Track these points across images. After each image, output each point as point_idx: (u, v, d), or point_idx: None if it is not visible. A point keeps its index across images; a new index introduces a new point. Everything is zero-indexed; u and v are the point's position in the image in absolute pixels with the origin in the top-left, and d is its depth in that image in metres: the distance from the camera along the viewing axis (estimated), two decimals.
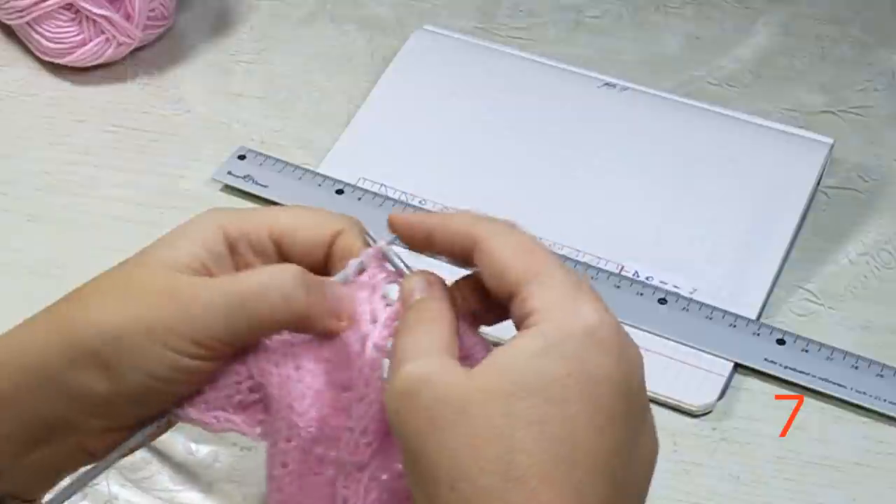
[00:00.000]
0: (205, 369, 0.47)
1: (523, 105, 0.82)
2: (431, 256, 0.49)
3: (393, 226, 0.49)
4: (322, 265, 0.50)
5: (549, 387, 0.42)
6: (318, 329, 0.48)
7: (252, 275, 0.48)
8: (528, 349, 0.43)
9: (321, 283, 0.48)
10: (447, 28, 0.88)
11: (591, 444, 0.42)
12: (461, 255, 0.47)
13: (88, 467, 0.50)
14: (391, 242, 0.50)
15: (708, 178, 0.78)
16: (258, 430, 0.49)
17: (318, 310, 0.48)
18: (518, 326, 0.45)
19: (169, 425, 0.50)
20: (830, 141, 0.79)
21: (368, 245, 0.50)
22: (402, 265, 0.49)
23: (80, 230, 0.77)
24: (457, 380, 0.43)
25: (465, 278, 0.49)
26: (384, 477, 0.47)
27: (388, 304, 0.48)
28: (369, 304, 0.49)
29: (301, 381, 0.48)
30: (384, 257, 0.50)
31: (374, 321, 0.48)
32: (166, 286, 0.47)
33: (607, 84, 0.83)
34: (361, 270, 0.50)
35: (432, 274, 0.48)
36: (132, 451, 0.50)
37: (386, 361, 0.46)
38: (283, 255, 0.50)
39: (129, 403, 0.48)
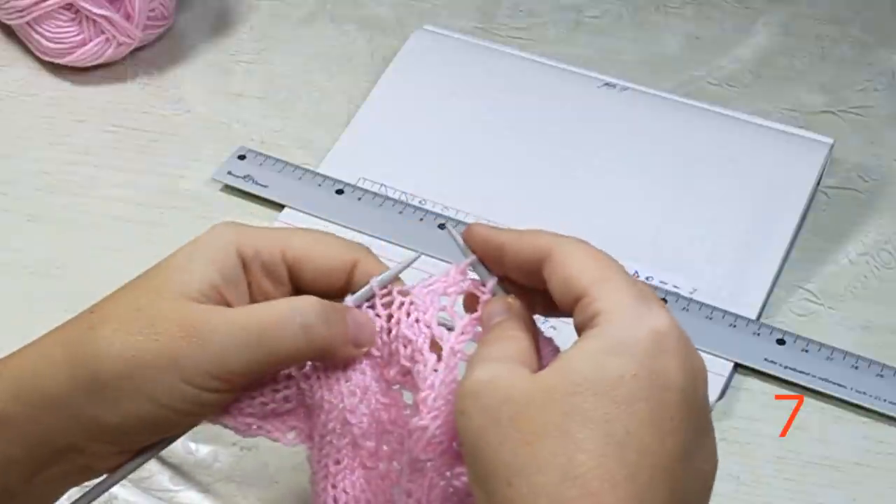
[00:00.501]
0: (221, 401, 0.47)
1: (523, 105, 0.82)
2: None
3: (470, 236, 0.50)
4: (336, 293, 0.50)
5: (614, 386, 0.41)
6: (338, 358, 0.49)
7: (271, 308, 0.48)
8: (591, 348, 0.43)
9: (342, 314, 0.48)
10: (447, 28, 0.88)
11: (656, 447, 0.41)
12: (530, 268, 0.47)
13: (100, 479, 0.50)
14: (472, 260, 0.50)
15: (708, 178, 0.78)
16: (291, 435, 0.50)
17: (339, 341, 0.48)
18: (580, 331, 0.45)
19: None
20: (830, 141, 0.79)
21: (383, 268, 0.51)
22: (486, 275, 0.50)
23: (80, 230, 0.77)
24: (520, 382, 0.43)
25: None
26: (448, 474, 0.47)
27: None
28: (433, 307, 0.49)
29: (350, 379, 0.49)
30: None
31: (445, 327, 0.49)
32: (184, 320, 0.46)
33: (607, 84, 0.83)
34: (373, 295, 0.50)
35: (512, 297, 0.49)
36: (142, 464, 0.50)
37: (463, 364, 0.47)
38: (294, 279, 0.50)
39: (140, 432, 0.48)
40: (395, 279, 0.51)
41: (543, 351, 0.48)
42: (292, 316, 0.47)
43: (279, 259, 0.50)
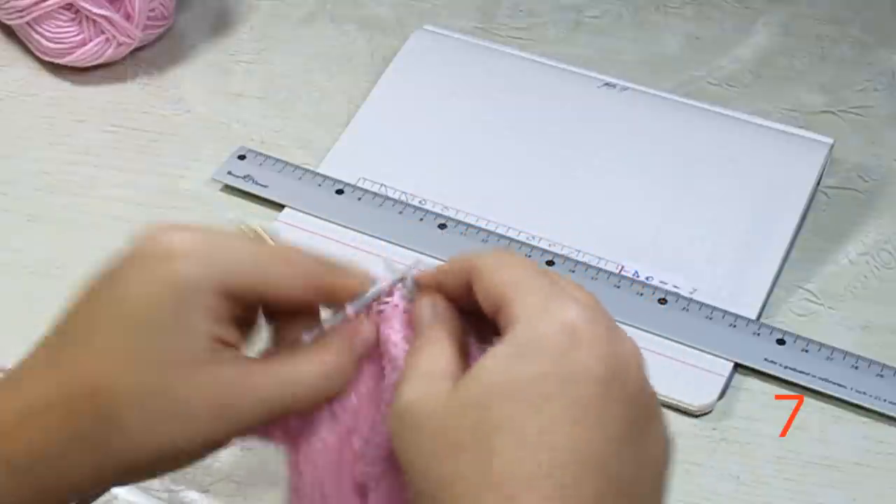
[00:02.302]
0: (247, 437, 0.48)
1: (523, 105, 0.82)
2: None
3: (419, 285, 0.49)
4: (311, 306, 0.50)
5: (524, 389, 0.41)
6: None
7: (294, 367, 0.47)
8: (501, 353, 0.43)
9: (348, 346, 0.48)
10: (447, 28, 0.88)
11: (575, 443, 0.41)
12: (464, 292, 0.47)
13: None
14: (412, 267, 0.50)
15: (708, 178, 0.78)
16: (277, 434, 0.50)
17: (352, 372, 0.48)
18: None
19: None
20: (830, 141, 0.79)
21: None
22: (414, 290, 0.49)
23: (80, 230, 0.77)
24: (439, 398, 0.43)
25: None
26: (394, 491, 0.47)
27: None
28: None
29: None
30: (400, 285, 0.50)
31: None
32: (215, 400, 0.45)
33: (607, 84, 0.83)
34: (379, 297, 0.49)
35: (440, 298, 0.48)
36: None
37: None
38: (268, 308, 0.49)
39: (152, 474, 0.48)
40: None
41: (477, 356, 0.48)
42: (316, 379, 0.47)
43: (249, 290, 0.47)
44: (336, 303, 0.49)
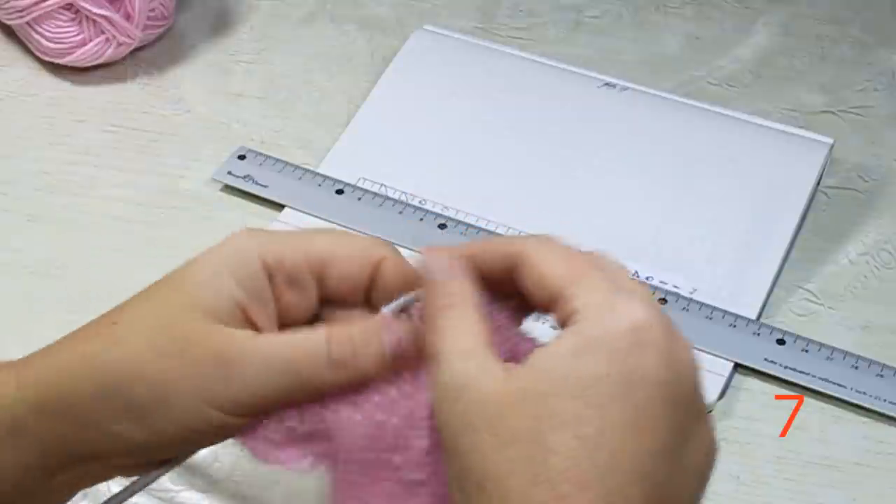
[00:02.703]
0: (244, 425, 0.47)
1: (523, 105, 0.82)
2: None
3: (430, 262, 0.47)
4: (364, 291, 0.49)
5: (587, 388, 0.41)
6: (377, 378, 0.47)
7: (302, 340, 0.47)
8: (565, 348, 0.42)
9: (375, 337, 0.47)
10: (447, 28, 0.88)
11: (630, 447, 0.40)
12: (503, 276, 0.46)
13: (118, 490, 0.50)
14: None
15: (708, 178, 0.78)
16: (306, 462, 0.49)
17: (371, 369, 0.47)
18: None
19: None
20: (830, 141, 0.79)
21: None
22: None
23: (80, 230, 0.77)
24: (494, 383, 0.42)
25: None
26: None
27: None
28: None
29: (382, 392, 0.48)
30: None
31: None
32: (217, 348, 0.46)
33: (607, 84, 0.83)
34: (410, 304, 0.48)
35: (452, 253, 0.47)
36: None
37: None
38: (321, 284, 0.49)
39: (164, 450, 0.47)
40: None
41: (524, 346, 0.47)
42: (324, 350, 0.46)
43: (303, 266, 0.48)
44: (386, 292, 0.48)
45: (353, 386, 0.47)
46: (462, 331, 0.44)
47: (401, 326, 0.47)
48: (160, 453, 0.48)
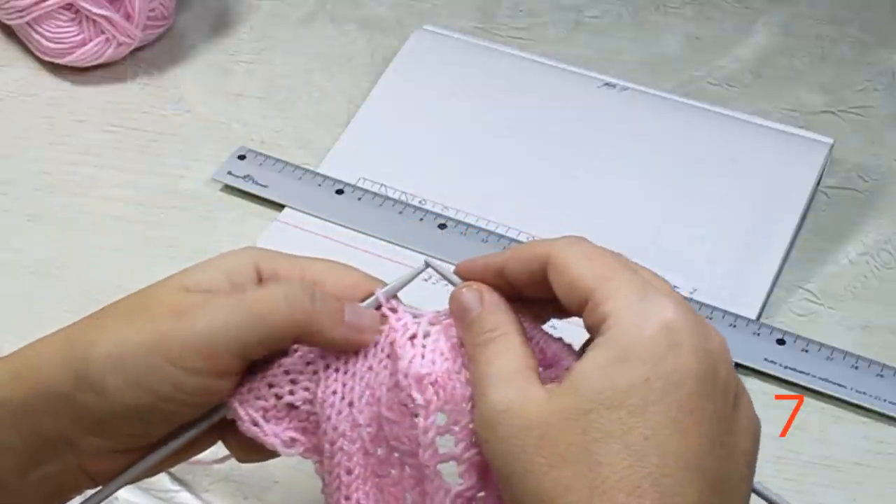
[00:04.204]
0: (209, 388, 0.47)
1: (523, 105, 0.82)
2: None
3: (465, 271, 0.49)
4: None
5: (627, 397, 0.41)
6: (336, 340, 0.48)
7: (261, 288, 0.48)
8: (601, 361, 0.42)
9: (333, 297, 0.48)
10: (447, 28, 0.88)
11: (679, 447, 0.41)
12: (535, 280, 0.46)
13: (97, 489, 0.50)
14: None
15: (708, 178, 0.78)
16: (294, 449, 0.49)
17: (328, 320, 0.47)
18: (592, 334, 0.44)
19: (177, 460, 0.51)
20: (830, 141, 0.79)
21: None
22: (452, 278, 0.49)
23: (80, 230, 0.77)
24: (536, 407, 0.43)
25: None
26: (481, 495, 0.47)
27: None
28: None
29: (360, 377, 0.49)
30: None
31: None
32: (173, 303, 0.47)
33: (607, 84, 0.83)
34: (380, 305, 0.49)
35: (481, 284, 0.48)
36: (141, 477, 0.50)
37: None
38: None
39: (128, 422, 0.47)
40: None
41: (550, 348, 0.48)
42: (277, 290, 0.47)
43: (297, 280, 0.49)
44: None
45: (317, 344, 0.48)
46: (501, 361, 0.45)
47: (362, 308, 0.48)
48: (128, 431, 0.47)
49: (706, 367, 0.42)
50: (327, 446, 0.49)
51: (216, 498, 0.63)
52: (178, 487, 0.63)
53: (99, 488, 0.50)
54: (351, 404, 0.48)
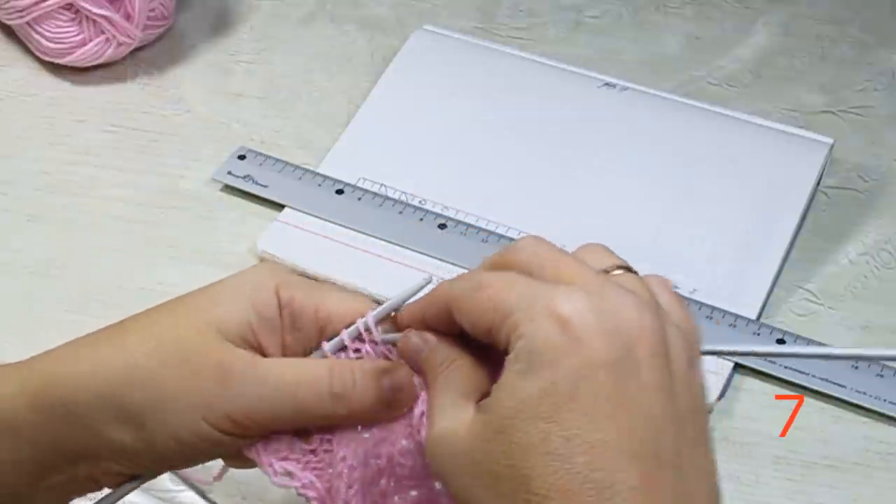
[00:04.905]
0: (233, 444, 0.47)
1: (523, 105, 0.82)
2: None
3: (401, 328, 0.49)
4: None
5: (538, 405, 0.41)
6: (370, 421, 0.48)
7: (307, 368, 0.47)
8: (510, 377, 0.42)
9: (377, 380, 0.48)
10: (447, 28, 0.88)
11: (605, 437, 0.41)
12: (451, 322, 0.46)
13: (105, 494, 0.50)
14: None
15: (708, 178, 0.78)
16: (306, 482, 0.49)
17: (369, 410, 0.48)
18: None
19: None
20: (830, 141, 0.79)
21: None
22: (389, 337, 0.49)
23: (80, 230, 0.77)
24: (464, 432, 0.43)
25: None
26: None
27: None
28: None
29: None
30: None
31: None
32: (221, 364, 0.46)
33: (607, 84, 0.83)
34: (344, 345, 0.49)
35: (425, 332, 0.48)
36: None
37: None
38: (320, 335, 0.49)
39: (151, 459, 0.48)
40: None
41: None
42: (325, 379, 0.47)
43: (311, 314, 0.49)
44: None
45: (352, 420, 0.48)
46: (446, 391, 0.45)
47: (405, 375, 0.48)
48: (150, 462, 0.48)
49: (617, 348, 0.41)
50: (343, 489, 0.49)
51: (216, 498, 0.63)
52: (179, 487, 0.63)
53: (107, 492, 0.50)
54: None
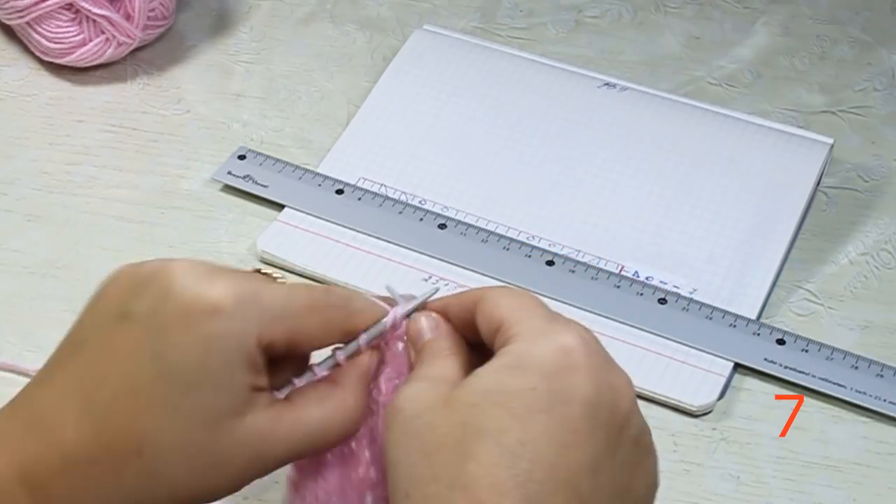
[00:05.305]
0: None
1: (523, 105, 0.82)
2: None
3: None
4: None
5: (511, 399, 0.42)
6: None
7: (313, 412, 0.48)
8: (497, 364, 0.44)
9: (363, 389, 0.49)
10: (447, 28, 0.88)
11: (556, 459, 0.41)
12: (467, 322, 0.48)
13: None
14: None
15: (708, 178, 0.78)
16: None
17: (364, 411, 0.49)
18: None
19: None
20: (830, 141, 0.79)
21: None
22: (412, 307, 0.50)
23: (80, 230, 0.77)
24: (434, 397, 0.44)
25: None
26: None
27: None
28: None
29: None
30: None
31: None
32: (249, 454, 0.46)
33: (607, 84, 0.83)
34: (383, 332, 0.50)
35: (439, 317, 0.49)
36: None
37: None
38: (296, 364, 0.50)
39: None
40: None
41: None
42: (334, 421, 0.48)
43: (283, 348, 0.48)
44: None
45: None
46: (427, 366, 0.47)
47: (371, 360, 0.50)
48: None
49: (604, 396, 0.43)
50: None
51: None
52: None
53: None
54: None
